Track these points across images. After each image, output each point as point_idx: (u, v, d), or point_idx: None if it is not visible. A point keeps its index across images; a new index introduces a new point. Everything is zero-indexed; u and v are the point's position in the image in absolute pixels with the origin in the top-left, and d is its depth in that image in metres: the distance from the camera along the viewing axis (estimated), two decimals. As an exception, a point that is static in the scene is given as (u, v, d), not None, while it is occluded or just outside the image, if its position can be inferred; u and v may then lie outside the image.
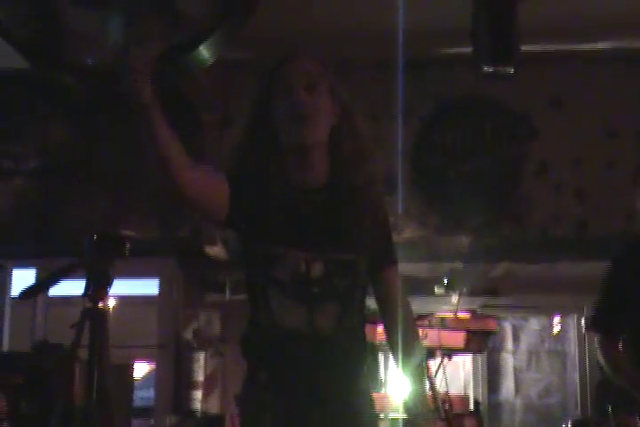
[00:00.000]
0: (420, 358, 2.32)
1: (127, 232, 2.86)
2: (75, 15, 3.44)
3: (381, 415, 3.93)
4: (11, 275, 5.91)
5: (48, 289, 2.99)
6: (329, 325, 2.18)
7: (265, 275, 2.21)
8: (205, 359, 5.52)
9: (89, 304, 2.77)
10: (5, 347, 5.75)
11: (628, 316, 3.32)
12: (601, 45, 5.66)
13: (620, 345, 3.38)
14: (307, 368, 2.19)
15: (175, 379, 5.51)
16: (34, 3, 3.51)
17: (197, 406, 5.40)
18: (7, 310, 5.87)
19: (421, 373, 2.39)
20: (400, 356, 2.26)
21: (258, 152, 2.25)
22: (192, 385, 5.47)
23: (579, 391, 6.12)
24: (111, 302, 5.66)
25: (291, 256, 2.19)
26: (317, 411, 2.18)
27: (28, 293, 2.65)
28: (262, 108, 2.26)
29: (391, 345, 2.30)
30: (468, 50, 5.10)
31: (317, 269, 2.18)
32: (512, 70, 5.03)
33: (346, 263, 2.22)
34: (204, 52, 3.60)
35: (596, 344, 3.39)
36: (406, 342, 2.25)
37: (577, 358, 6.18)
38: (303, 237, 2.21)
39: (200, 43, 3.53)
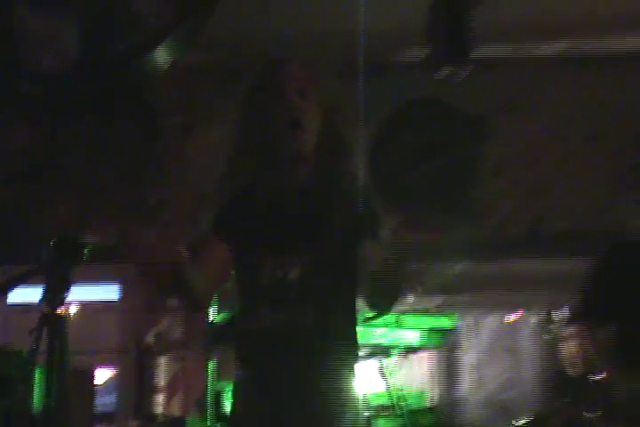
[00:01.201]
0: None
1: (86, 238, 2.80)
2: (30, 18, 3.36)
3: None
4: (-31, 282, 5.80)
5: (6, 295, 2.92)
6: (305, 326, 2.16)
7: (246, 281, 2.24)
8: (167, 364, 5.48)
9: (47, 310, 2.71)
10: (-36, 353, 5.69)
11: (614, 308, 3.35)
12: (554, 48, 5.68)
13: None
14: (285, 367, 2.17)
15: (137, 384, 5.47)
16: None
17: (159, 410, 5.37)
18: (-34, 316, 5.80)
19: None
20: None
21: (251, 159, 2.25)
22: (154, 390, 5.43)
23: (534, 387, 6.13)
24: (72, 309, 5.57)
25: (267, 262, 2.19)
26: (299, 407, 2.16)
27: (-14, 298, 2.58)
28: (253, 113, 2.23)
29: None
30: (424, 53, 5.10)
31: (294, 273, 2.17)
32: (467, 73, 5.04)
33: (324, 265, 2.18)
34: (162, 53, 3.53)
35: (580, 336, 3.44)
36: None
37: (533, 354, 6.19)
38: (280, 241, 2.19)
39: (157, 44, 3.45)
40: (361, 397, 2.29)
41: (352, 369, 2.24)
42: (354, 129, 5.52)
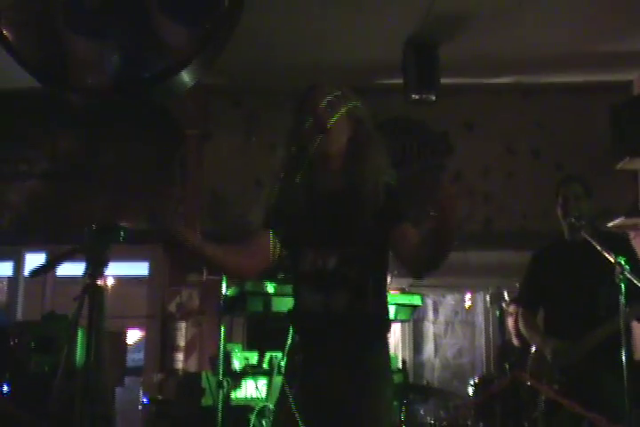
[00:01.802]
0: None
1: (121, 223, 2.78)
2: (77, 43, 3.33)
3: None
4: (24, 259, 5.77)
5: (54, 269, 2.89)
6: (340, 307, 2.12)
7: (295, 269, 2.21)
8: (186, 328, 5.44)
9: (89, 281, 2.69)
10: (20, 317, 5.65)
11: (542, 295, 3.43)
12: (503, 80, 5.68)
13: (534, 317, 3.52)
14: (324, 342, 2.15)
15: (161, 344, 5.42)
16: (43, 31, 3.40)
17: (179, 366, 5.33)
18: (21, 287, 5.75)
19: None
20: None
21: (292, 161, 2.21)
22: (175, 349, 5.39)
23: (484, 354, 6.12)
24: (109, 281, 5.54)
25: (310, 253, 2.16)
26: (332, 379, 2.12)
27: (37, 271, 2.54)
28: (296, 125, 2.22)
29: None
30: (399, 81, 5.10)
31: (332, 263, 2.13)
32: (434, 98, 5.03)
33: (357, 257, 2.14)
34: (186, 76, 3.51)
35: (519, 315, 3.52)
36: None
37: (483, 327, 6.18)
38: (319, 235, 2.16)
39: (181, 68, 3.43)
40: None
41: (385, 342, 2.21)
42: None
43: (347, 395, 2.09)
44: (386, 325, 2.23)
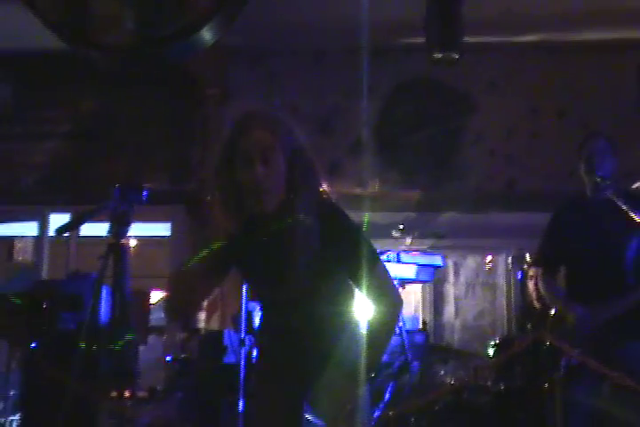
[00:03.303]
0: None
1: (145, 184, 2.80)
2: (98, 1, 3.33)
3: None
4: (48, 219, 5.84)
5: (80, 226, 2.93)
6: (300, 324, 2.20)
7: (256, 294, 2.41)
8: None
9: (112, 240, 2.72)
10: (45, 276, 5.74)
11: (563, 255, 3.35)
12: (529, 38, 5.60)
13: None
14: (289, 354, 2.24)
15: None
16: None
17: (201, 324, 5.40)
18: (46, 247, 5.83)
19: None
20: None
21: (227, 205, 2.09)
22: (197, 305, 5.45)
23: (505, 315, 6.16)
24: (132, 242, 5.61)
25: (262, 288, 2.26)
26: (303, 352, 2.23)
27: (63, 229, 2.59)
28: (226, 174, 2.08)
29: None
30: (422, 40, 5.04)
31: (285, 294, 2.17)
32: (457, 57, 4.97)
33: (307, 289, 2.15)
34: (205, 34, 3.49)
35: (539, 277, 3.44)
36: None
37: (504, 289, 6.21)
38: (268, 274, 2.19)
39: (202, 26, 3.42)
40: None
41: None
42: (359, 102, 5.54)
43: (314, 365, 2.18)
44: (345, 322, 2.24)
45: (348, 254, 2.11)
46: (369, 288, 2.11)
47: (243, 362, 3.52)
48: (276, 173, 2.07)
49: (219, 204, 2.11)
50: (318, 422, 2.31)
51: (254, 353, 3.73)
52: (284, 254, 2.10)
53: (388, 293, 2.15)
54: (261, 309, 2.38)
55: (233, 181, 2.07)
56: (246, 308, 3.66)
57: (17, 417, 4.13)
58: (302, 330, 2.21)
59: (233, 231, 2.10)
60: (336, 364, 2.17)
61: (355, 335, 2.22)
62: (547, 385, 3.58)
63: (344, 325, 2.24)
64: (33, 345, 3.71)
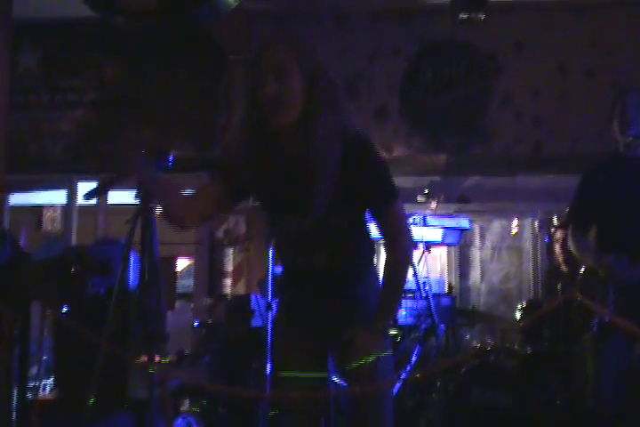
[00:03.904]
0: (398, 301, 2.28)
1: (170, 151, 2.81)
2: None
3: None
4: (76, 187, 5.90)
5: (107, 192, 2.95)
6: (322, 266, 2.17)
7: (274, 231, 2.27)
8: (234, 254, 5.55)
9: (140, 205, 2.74)
10: (74, 242, 5.81)
11: (596, 213, 3.26)
12: (555, -3, 5.49)
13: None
14: (309, 294, 2.23)
15: (210, 270, 5.55)
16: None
17: (227, 290, 5.47)
18: (75, 215, 5.90)
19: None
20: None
21: (249, 134, 2.14)
22: (223, 274, 5.52)
23: (531, 279, 6.14)
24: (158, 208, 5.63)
25: (285, 217, 2.17)
26: (324, 305, 2.21)
27: (91, 194, 2.61)
28: (249, 96, 2.13)
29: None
30: (447, 0, 4.96)
31: (306, 226, 2.14)
32: (482, 17, 4.89)
33: (327, 218, 2.13)
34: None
35: (569, 234, 3.34)
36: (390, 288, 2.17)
37: (531, 252, 6.17)
38: (289, 202, 2.15)
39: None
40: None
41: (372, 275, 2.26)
42: (384, 65, 5.48)
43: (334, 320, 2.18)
44: (368, 267, 2.25)
45: (369, 187, 2.12)
46: (384, 226, 2.15)
47: (270, 326, 3.55)
48: (291, 90, 2.07)
49: (239, 123, 2.16)
50: (341, 381, 2.33)
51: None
52: (305, 179, 2.09)
53: (401, 233, 2.17)
54: (282, 247, 2.26)
55: (253, 102, 2.10)
56: (272, 272, 3.67)
57: (50, 381, 4.22)
58: (325, 270, 2.17)
59: (250, 152, 2.12)
60: (359, 316, 2.16)
61: (376, 286, 2.23)
62: (576, 348, 3.57)
63: (367, 272, 2.24)
64: (64, 310, 3.77)
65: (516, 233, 5.66)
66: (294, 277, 2.25)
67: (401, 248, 2.16)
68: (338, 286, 2.20)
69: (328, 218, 2.12)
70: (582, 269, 3.30)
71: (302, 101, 2.07)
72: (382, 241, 2.19)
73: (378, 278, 2.25)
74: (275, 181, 2.14)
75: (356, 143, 2.12)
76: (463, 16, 4.91)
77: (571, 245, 3.32)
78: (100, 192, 2.66)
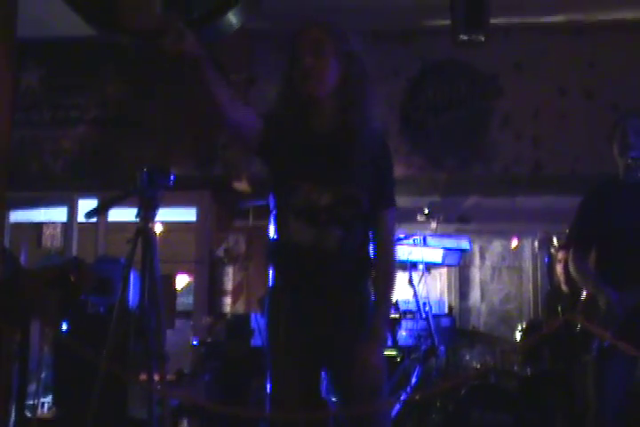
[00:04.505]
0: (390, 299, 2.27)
1: (171, 169, 2.82)
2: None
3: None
4: (77, 204, 5.92)
5: (108, 211, 2.96)
6: (332, 245, 2.15)
7: (285, 202, 2.20)
8: (233, 272, 5.55)
9: (141, 224, 2.75)
10: (74, 259, 5.81)
11: (596, 238, 3.27)
12: (555, 18, 5.54)
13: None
14: (313, 277, 2.18)
15: (209, 288, 5.55)
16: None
17: (227, 309, 5.46)
18: (75, 232, 5.91)
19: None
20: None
21: (284, 103, 2.22)
22: (223, 293, 5.52)
23: (531, 299, 6.14)
24: (158, 227, 5.64)
25: (305, 187, 2.16)
26: (321, 308, 2.17)
27: (92, 213, 2.62)
28: (286, 71, 2.23)
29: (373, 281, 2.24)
30: (447, 22, 5.00)
31: (325, 200, 2.15)
32: (483, 39, 4.93)
33: (350, 196, 2.17)
34: (232, 17, 3.50)
35: (569, 258, 3.35)
36: (382, 285, 2.20)
37: (531, 272, 6.18)
38: (316, 172, 2.17)
39: (229, 10, 3.42)
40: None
41: (368, 283, 2.25)
42: (385, 85, 5.52)
43: (334, 329, 2.15)
44: (369, 265, 2.25)
45: (383, 184, 2.19)
46: (377, 226, 2.20)
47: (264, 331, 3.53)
48: (327, 65, 2.17)
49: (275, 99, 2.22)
50: (338, 398, 2.30)
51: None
52: (335, 151, 2.15)
53: (390, 237, 2.23)
54: (283, 222, 2.19)
55: (288, 79, 2.19)
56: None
57: (49, 399, 4.21)
58: (334, 250, 2.14)
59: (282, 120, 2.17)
60: (356, 327, 2.15)
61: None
62: (576, 369, 3.56)
63: (368, 274, 2.23)
64: (64, 328, 3.77)
65: (515, 248, 5.68)
66: (297, 255, 2.17)
67: (390, 244, 2.23)
68: (341, 272, 2.17)
69: (347, 197, 2.15)
70: (584, 294, 3.31)
71: (337, 78, 2.18)
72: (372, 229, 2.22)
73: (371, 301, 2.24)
74: (304, 150, 2.18)
75: (380, 137, 2.25)
76: (463, 38, 4.94)
77: (571, 269, 3.33)
78: (100, 211, 2.67)
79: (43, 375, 4.11)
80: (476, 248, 6.34)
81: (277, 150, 2.19)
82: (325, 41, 2.18)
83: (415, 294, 4.17)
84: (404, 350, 4.26)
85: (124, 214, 3.21)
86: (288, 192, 2.18)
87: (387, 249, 2.22)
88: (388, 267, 2.22)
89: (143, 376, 2.69)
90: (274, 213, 2.25)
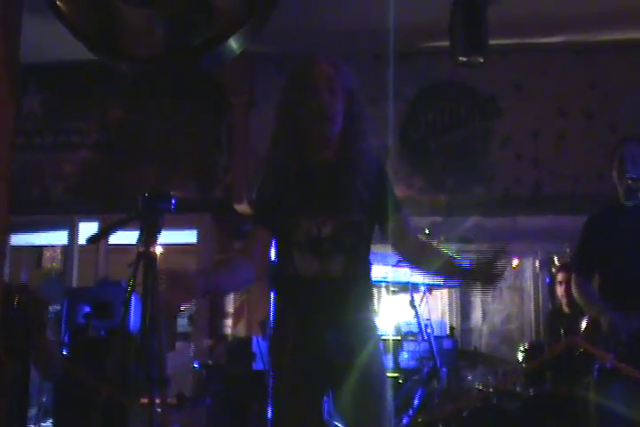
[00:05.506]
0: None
1: (172, 192, 2.84)
2: (127, 12, 3.39)
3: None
4: (78, 227, 5.94)
5: (109, 236, 2.98)
6: (336, 271, 2.19)
7: (287, 237, 2.22)
8: (234, 295, 5.55)
9: (142, 248, 2.77)
10: (75, 284, 5.82)
11: (598, 263, 3.29)
12: (555, 39, 5.59)
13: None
14: (319, 303, 2.20)
15: (210, 310, 5.55)
16: (94, 1, 3.47)
17: (228, 331, 5.45)
18: (75, 255, 5.92)
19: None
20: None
21: (285, 138, 2.23)
22: (224, 315, 5.51)
23: (533, 320, 6.14)
24: (159, 249, 5.65)
25: (305, 223, 2.19)
26: (326, 334, 2.19)
27: (94, 238, 2.64)
28: (291, 103, 2.21)
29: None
30: (447, 43, 5.06)
31: (327, 230, 2.18)
32: (482, 60, 4.98)
33: (350, 222, 2.20)
34: (234, 43, 3.54)
35: (572, 283, 3.37)
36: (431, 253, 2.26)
37: (532, 293, 6.18)
38: (314, 206, 2.20)
39: (230, 35, 3.47)
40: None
41: (372, 308, 2.30)
42: (385, 106, 5.56)
43: (342, 357, 2.17)
44: (372, 290, 2.32)
45: (387, 196, 2.24)
46: (399, 224, 2.25)
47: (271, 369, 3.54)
48: (339, 108, 2.18)
49: (278, 138, 2.23)
50: (336, 423, 2.32)
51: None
52: (333, 184, 2.18)
53: (406, 220, 2.31)
54: (287, 253, 2.22)
55: (292, 116, 2.18)
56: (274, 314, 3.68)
57: (49, 424, 4.20)
58: (340, 277, 2.18)
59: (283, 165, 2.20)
60: (362, 370, 2.16)
61: (379, 345, 2.26)
62: (578, 391, 3.56)
63: (371, 302, 2.28)
64: (65, 353, 3.78)
65: (515, 266, 5.68)
66: (303, 285, 2.20)
67: (414, 232, 2.32)
68: (345, 297, 2.19)
69: (348, 224, 2.19)
70: (586, 318, 3.31)
71: (343, 117, 2.19)
72: (394, 240, 2.27)
73: (375, 326, 2.28)
74: (300, 186, 2.20)
75: (377, 161, 2.28)
76: (463, 59, 5.00)
77: (574, 293, 3.34)
78: (102, 236, 2.70)
79: (43, 400, 4.10)
80: (478, 269, 6.33)
81: (277, 200, 2.23)
82: (336, 79, 2.18)
83: (417, 316, 4.18)
84: (406, 373, 4.26)
85: (125, 237, 3.23)
86: (289, 229, 2.21)
87: (413, 235, 2.30)
88: (422, 242, 2.32)
89: (144, 400, 2.69)
90: (276, 245, 2.28)
